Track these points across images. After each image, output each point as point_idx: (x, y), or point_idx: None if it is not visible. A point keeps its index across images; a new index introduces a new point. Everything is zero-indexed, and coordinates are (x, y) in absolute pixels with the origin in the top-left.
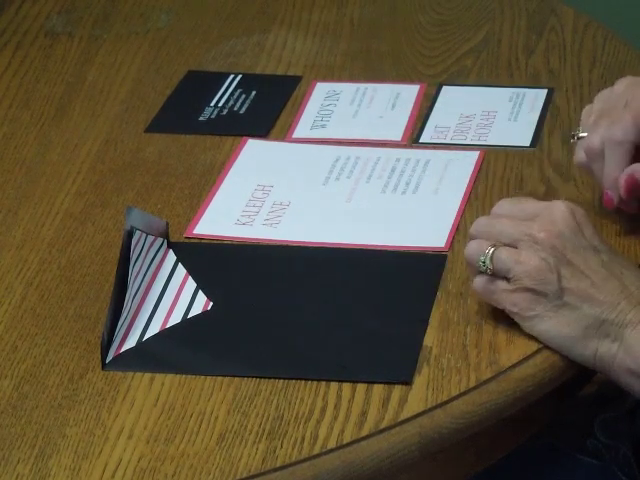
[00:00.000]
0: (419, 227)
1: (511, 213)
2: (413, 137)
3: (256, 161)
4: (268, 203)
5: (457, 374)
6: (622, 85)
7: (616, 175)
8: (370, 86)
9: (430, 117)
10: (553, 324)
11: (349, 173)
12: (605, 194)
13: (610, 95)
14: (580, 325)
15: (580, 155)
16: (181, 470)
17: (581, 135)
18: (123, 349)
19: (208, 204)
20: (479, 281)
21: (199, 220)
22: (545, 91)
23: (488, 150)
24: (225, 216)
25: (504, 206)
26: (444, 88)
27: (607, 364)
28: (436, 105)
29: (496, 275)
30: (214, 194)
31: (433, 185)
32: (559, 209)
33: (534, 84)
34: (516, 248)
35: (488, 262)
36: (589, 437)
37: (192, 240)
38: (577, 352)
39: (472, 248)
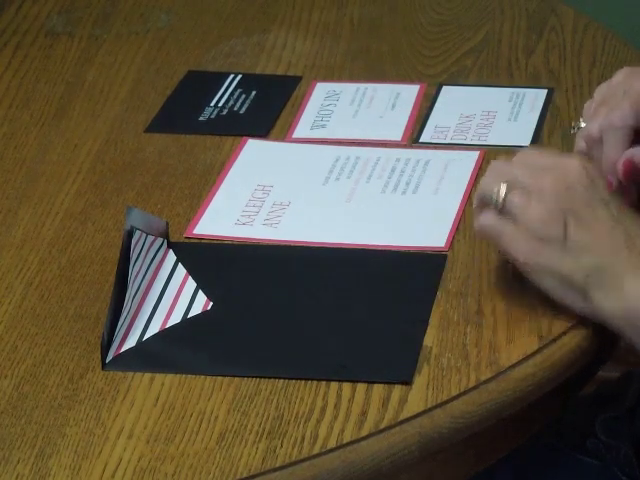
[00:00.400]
0: (419, 227)
1: (527, 162)
2: (413, 137)
3: (256, 161)
4: (268, 203)
5: (457, 374)
6: (620, 75)
7: (614, 159)
8: (370, 86)
9: (430, 117)
10: (556, 273)
11: (349, 173)
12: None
13: (609, 86)
14: (581, 274)
15: (580, 144)
16: (181, 470)
17: (581, 126)
18: (123, 349)
19: (208, 204)
20: (487, 217)
21: (199, 220)
22: (545, 91)
23: (488, 150)
24: (225, 216)
25: (523, 155)
26: (444, 88)
27: (607, 313)
28: (436, 105)
29: (504, 216)
30: (214, 194)
31: (433, 185)
32: (572, 164)
33: (534, 84)
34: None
35: (500, 201)
36: (589, 437)
37: (192, 240)
38: (579, 303)
39: (487, 183)
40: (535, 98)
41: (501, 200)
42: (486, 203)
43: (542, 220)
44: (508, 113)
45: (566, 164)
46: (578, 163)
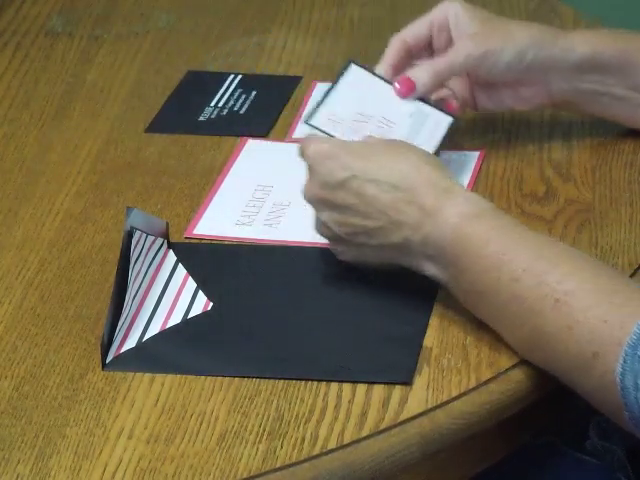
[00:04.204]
0: None
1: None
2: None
3: (256, 161)
4: (268, 203)
5: (457, 374)
6: None
7: (385, 63)
8: None
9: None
10: (366, 259)
11: None
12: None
13: None
14: (380, 255)
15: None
16: (181, 470)
17: None
18: (123, 349)
19: (208, 204)
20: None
21: (199, 220)
22: None
23: (488, 150)
24: (225, 216)
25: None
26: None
27: (417, 270)
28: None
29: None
30: (214, 194)
31: None
32: (312, 159)
33: None
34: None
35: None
36: (589, 437)
37: (192, 240)
38: (398, 264)
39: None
40: None
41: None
42: None
43: (321, 235)
44: (408, 127)
45: (310, 165)
46: (311, 154)
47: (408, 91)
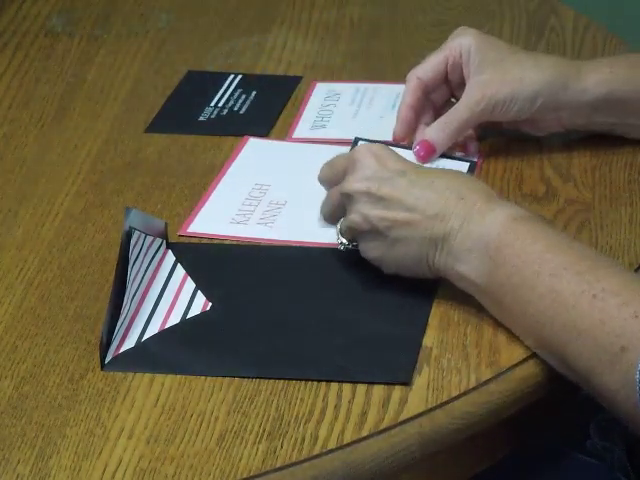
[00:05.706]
0: None
1: (329, 179)
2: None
3: (255, 161)
4: (264, 202)
5: (457, 374)
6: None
7: (404, 104)
8: (370, 86)
9: None
10: (393, 258)
11: None
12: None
13: None
14: (413, 251)
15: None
16: (181, 471)
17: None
18: (122, 349)
19: (204, 202)
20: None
21: (194, 219)
22: None
23: (488, 150)
24: (221, 214)
25: (323, 171)
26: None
27: (443, 272)
28: None
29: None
30: (211, 193)
31: None
32: (358, 153)
33: None
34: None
35: (342, 238)
36: (589, 437)
37: (191, 240)
38: (417, 272)
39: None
40: None
41: (345, 241)
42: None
43: (357, 228)
44: None
45: (353, 158)
46: (363, 150)
47: (428, 154)
